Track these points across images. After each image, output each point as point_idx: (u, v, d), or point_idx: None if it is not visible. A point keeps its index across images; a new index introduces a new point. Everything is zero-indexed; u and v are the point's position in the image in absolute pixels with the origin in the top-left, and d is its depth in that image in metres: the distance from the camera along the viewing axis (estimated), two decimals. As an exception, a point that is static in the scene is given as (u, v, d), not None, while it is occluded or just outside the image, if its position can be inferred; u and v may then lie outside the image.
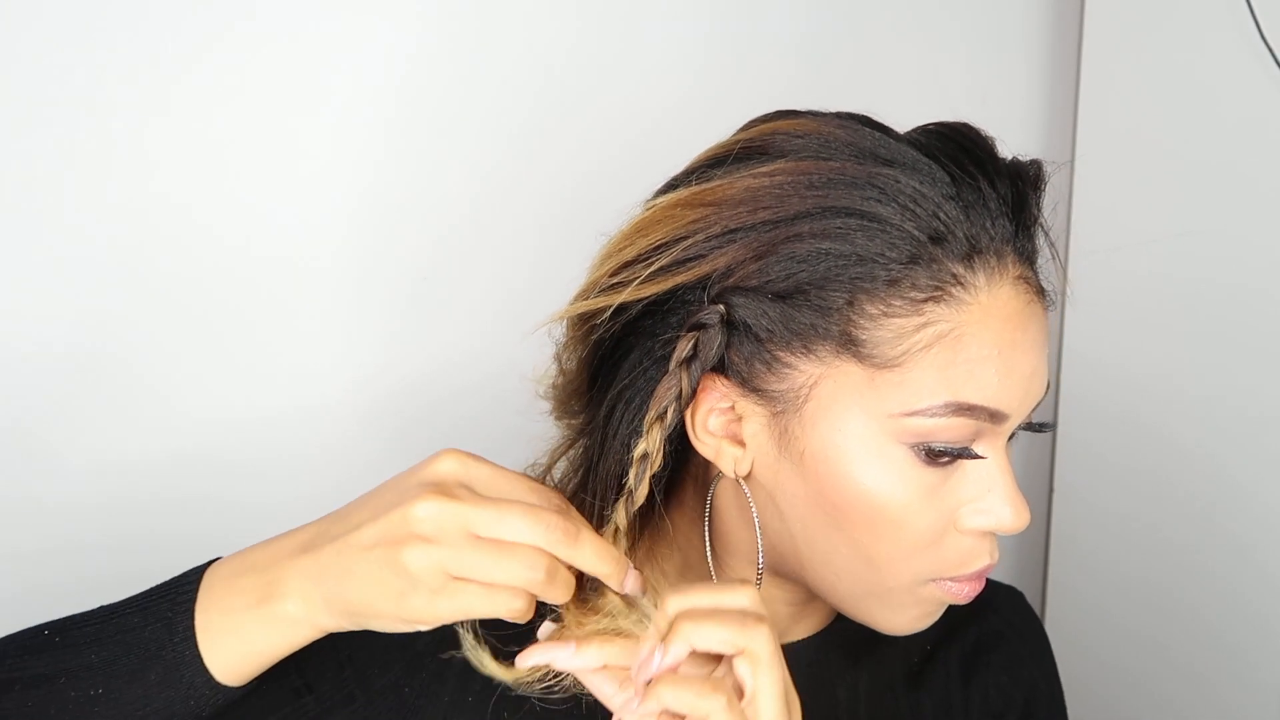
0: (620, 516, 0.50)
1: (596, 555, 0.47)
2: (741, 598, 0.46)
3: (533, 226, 0.92)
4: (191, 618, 0.48)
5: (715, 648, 0.45)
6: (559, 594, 0.47)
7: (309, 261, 0.84)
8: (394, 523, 0.45)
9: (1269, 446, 1.03)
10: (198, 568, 0.50)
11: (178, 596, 0.49)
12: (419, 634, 0.57)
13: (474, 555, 0.45)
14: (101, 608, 0.51)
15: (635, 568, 0.49)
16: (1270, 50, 0.97)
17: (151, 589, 0.51)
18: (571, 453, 0.58)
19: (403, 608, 0.46)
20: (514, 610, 0.46)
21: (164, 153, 0.77)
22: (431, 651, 0.58)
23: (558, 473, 0.59)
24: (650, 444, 0.49)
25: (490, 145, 0.90)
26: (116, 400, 0.79)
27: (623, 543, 0.50)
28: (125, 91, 0.74)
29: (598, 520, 0.52)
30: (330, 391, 0.87)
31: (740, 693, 0.45)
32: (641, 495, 0.50)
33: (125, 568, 0.79)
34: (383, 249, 0.87)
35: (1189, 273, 1.08)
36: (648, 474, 0.49)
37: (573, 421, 0.58)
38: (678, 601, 0.46)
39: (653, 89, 0.97)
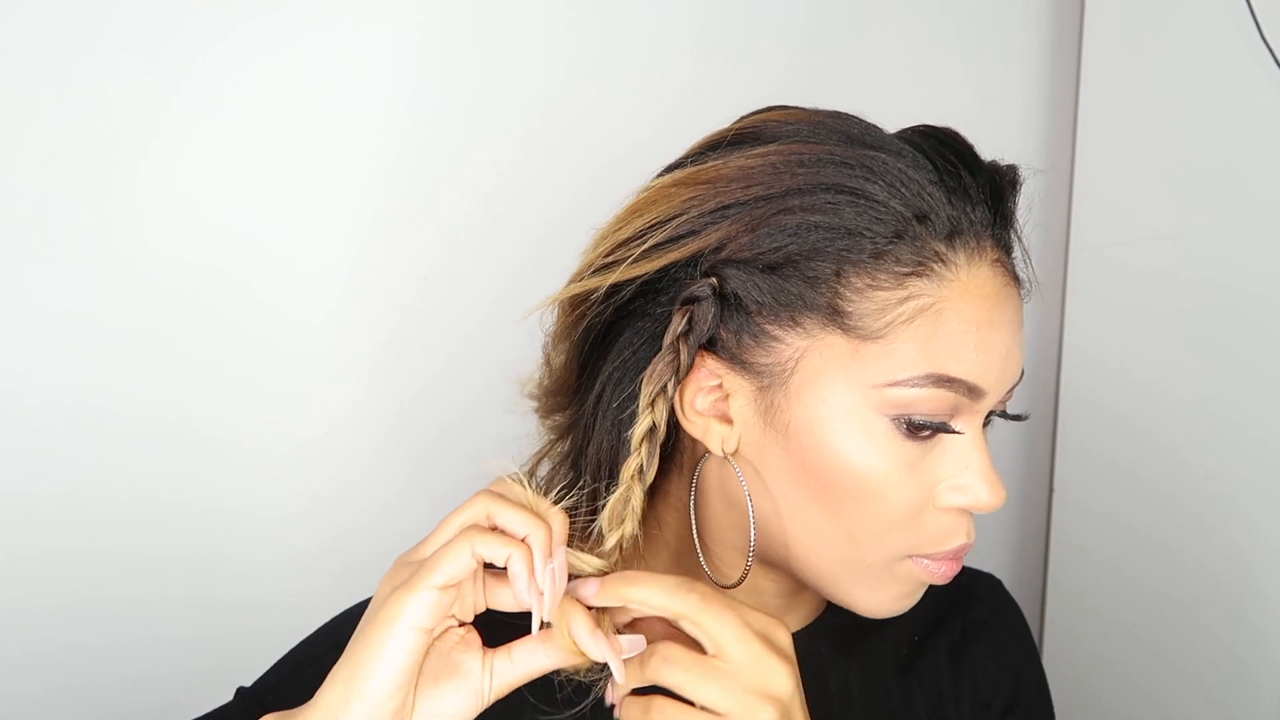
0: (636, 496, 0.50)
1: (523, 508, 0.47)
2: (688, 599, 0.47)
3: (532, 235, 0.92)
4: None
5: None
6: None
7: (305, 280, 0.83)
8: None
9: (1268, 448, 1.03)
10: None
11: None
12: None
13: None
14: None
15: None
16: (1270, 50, 0.97)
17: None
18: (555, 451, 0.58)
19: (413, 558, 0.46)
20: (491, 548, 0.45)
21: (155, 164, 0.76)
22: None
23: (541, 474, 0.59)
24: (657, 417, 0.50)
25: (487, 157, 0.89)
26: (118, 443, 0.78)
27: (632, 525, 0.50)
28: (106, 101, 0.73)
29: (589, 510, 0.52)
30: (330, 414, 0.87)
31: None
32: (652, 472, 0.51)
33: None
34: (380, 260, 0.86)
35: (1189, 273, 1.08)
36: (657, 449, 0.50)
37: (559, 417, 0.58)
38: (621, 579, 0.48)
39: (652, 95, 0.97)
